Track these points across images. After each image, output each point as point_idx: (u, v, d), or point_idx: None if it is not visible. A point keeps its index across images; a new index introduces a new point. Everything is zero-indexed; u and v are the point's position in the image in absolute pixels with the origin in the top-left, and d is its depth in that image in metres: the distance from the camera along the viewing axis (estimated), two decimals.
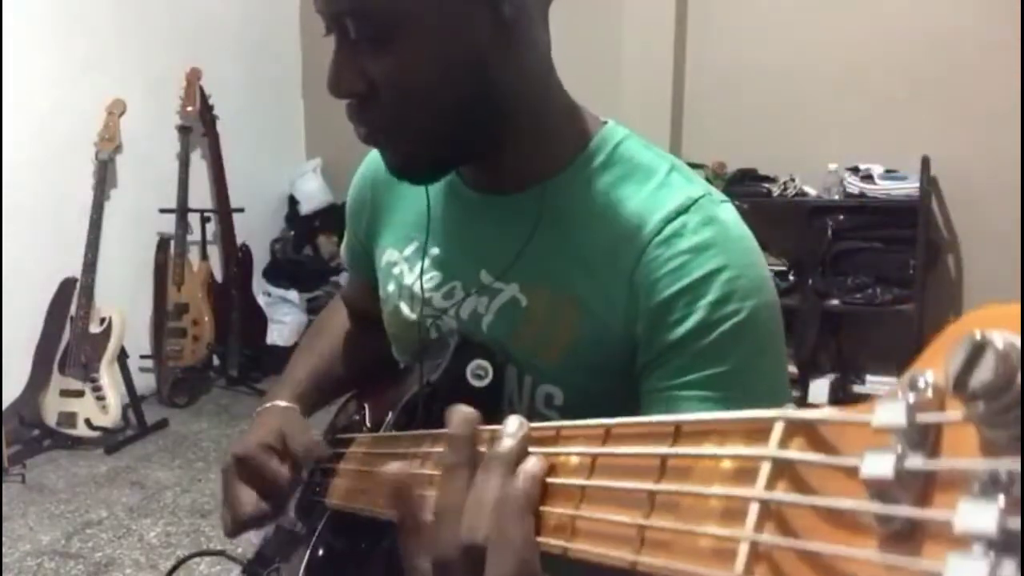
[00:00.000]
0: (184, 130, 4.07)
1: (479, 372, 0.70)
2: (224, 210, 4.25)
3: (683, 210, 0.69)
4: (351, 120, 0.71)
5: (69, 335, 3.46)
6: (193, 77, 4.03)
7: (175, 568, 1.32)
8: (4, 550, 2.61)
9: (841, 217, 3.77)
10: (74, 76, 3.57)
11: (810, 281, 3.80)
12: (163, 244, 3.97)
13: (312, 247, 4.86)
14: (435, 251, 0.82)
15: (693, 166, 3.88)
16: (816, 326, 3.75)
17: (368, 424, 0.89)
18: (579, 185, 0.74)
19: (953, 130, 3.67)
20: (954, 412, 0.23)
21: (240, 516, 0.82)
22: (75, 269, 3.49)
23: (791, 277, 3.90)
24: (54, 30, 3.50)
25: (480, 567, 0.42)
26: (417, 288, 0.83)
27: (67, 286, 3.52)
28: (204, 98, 4.10)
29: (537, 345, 0.73)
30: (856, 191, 3.75)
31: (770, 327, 0.69)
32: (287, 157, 4.89)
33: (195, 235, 4.11)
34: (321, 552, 0.83)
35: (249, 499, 0.82)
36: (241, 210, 4.29)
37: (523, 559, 0.40)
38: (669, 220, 0.69)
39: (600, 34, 4.14)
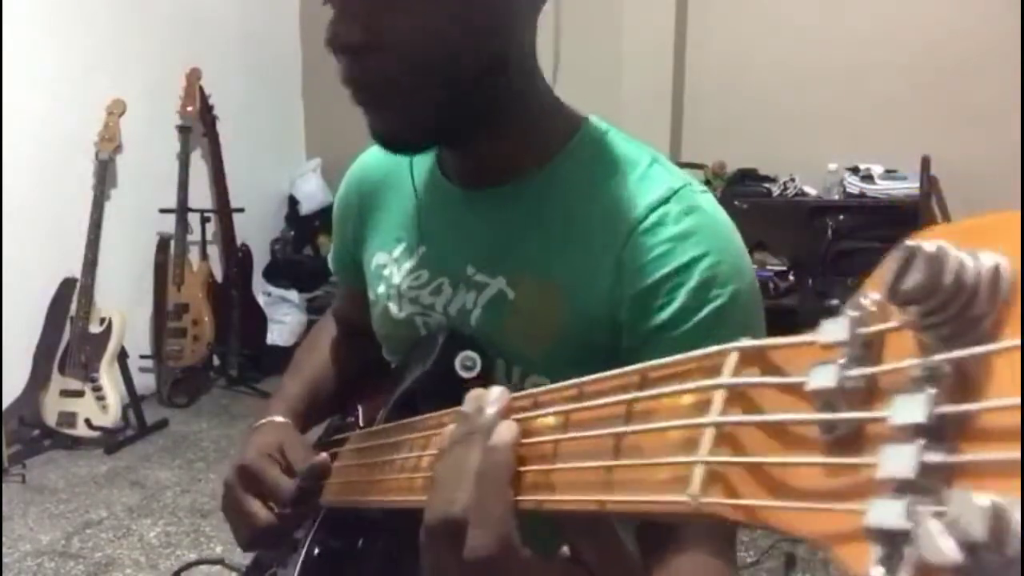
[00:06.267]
0: (184, 130, 4.07)
1: (467, 363, 0.71)
2: (224, 210, 4.25)
3: (665, 200, 0.71)
4: (344, 78, 0.68)
5: (69, 335, 3.45)
6: (193, 77, 4.03)
7: None
8: (4, 550, 2.61)
9: (841, 217, 3.77)
10: (74, 76, 3.57)
11: (810, 281, 3.80)
12: (163, 244, 3.97)
13: (312, 247, 4.85)
14: (422, 249, 0.83)
15: (693, 166, 3.87)
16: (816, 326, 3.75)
17: (361, 425, 0.89)
18: (563, 178, 0.75)
19: (953, 130, 3.67)
20: (892, 321, 0.24)
21: (256, 527, 0.81)
22: (75, 269, 3.49)
23: (791, 277, 3.90)
24: (54, 30, 3.49)
25: (460, 539, 0.42)
26: (405, 287, 0.83)
27: (67, 286, 3.51)
28: (204, 98, 4.09)
29: (525, 336, 0.74)
30: (856, 191, 3.75)
31: (750, 310, 0.70)
32: (287, 157, 4.89)
33: (195, 235, 4.11)
34: (316, 551, 0.83)
35: (260, 509, 0.81)
36: (241, 210, 4.29)
37: (502, 534, 0.41)
38: (652, 209, 0.70)
39: (600, 34, 4.14)
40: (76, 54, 3.58)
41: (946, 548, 0.19)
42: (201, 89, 4.07)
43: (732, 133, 4.07)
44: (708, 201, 0.73)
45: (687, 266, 0.68)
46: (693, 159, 3.95)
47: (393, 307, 0.85)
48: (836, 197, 3.79)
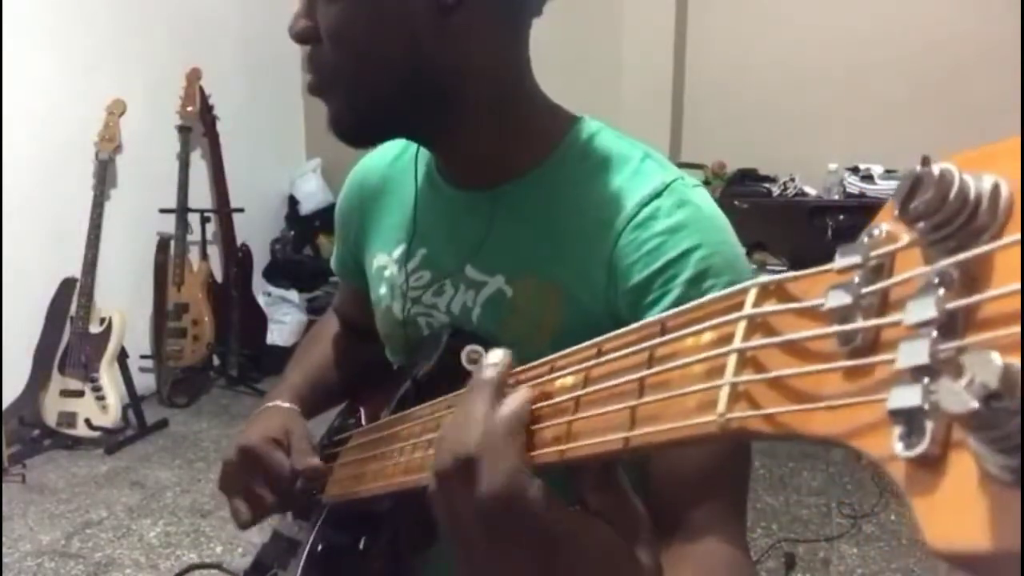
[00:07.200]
0: (184, 130, 4.07)
1: (473, 356, 0.71)
2: (224, 210, 4.25)
3: (657, 194, 0.71)
4: (304, 67, 0.75)
5: (69, 335, 3.45)
6: (193, 77, 4.03)
7: None
8: (4, 550, 2.62)
9: (841, 217, 3.77)
10: (74, 76, 3.57)
11: None
12: (163, 244, 3.97)
13: (312, 247, 4.86)
14: (423, 250, 0.84)
15: (693, 166, 3.87)
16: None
17: (364, 424, 0.89)
18: (556, 177, 0.76)
19: (953, 130, 3.67)
20: (902, 240, 0.27)
21: (258, 506, 0.83)
22: (75, 269, 3.49)
23: None
24: (54, 30, 3.49)
25: (473, 477, 0.43)
26: (408, 288, 0.84)
27: (67, 286, 3.52)
28: (204, 98, 4.10)
29: (524, 334, 0.75)
30: (856, 191, 3.75)
31: None
32: (287, 157, 4.89)
33: (195, 235, 4.11)
34: (320, 548, 0.83)
35: (262, 491, 0.83)
36: (241, 210, 4.29)
37: (512, 472, 0.42)
38: (644, 204, 0.71)
39: (600, 35, 4.14)
40: (76, 54, 3.58)
41: (964, 397, 0.21)
42: (201, 89, 4.07)
43: (732, 133, 4.07)
44: (701, 195, 0.73)
45: (681, 257, 0.68)
46: (693, 159, 3.95)
47: (396, 308, 0.86)
48: (836, 197, 3.79)
